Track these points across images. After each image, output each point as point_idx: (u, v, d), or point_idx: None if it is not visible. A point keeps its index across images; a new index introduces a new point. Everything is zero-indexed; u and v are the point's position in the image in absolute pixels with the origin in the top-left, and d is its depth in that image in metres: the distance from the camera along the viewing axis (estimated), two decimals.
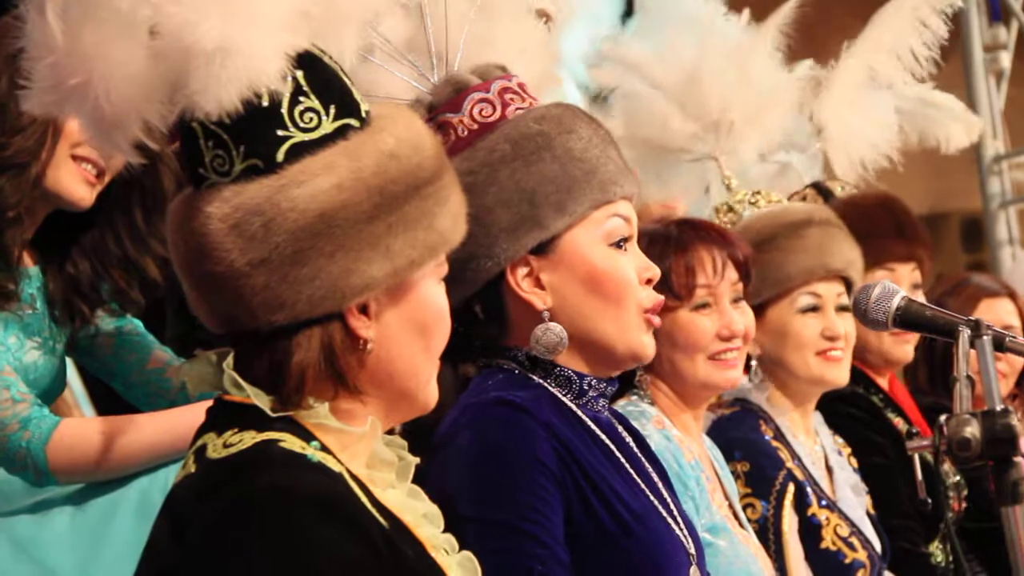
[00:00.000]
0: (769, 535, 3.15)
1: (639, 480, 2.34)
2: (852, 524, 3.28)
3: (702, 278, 2.98)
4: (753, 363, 3.29)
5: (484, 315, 2.35)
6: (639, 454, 2.41)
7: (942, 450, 2.00)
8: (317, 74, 1.84)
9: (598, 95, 3.92)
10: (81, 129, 1.99)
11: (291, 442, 1.80)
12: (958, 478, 3.95)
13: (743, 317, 3.02)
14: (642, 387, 3.00)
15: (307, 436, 1.82)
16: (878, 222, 3.85)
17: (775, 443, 3.27)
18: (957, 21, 6.31)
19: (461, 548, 1.99)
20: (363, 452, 1.90)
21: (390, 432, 1.98)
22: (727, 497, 3.02)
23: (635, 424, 2.56)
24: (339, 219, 1.79)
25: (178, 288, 1.91)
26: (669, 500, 2.38)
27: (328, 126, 1.83)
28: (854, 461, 3.54)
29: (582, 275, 2.32)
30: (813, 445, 3.41)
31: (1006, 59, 6.89)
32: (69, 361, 2.85)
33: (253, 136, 1.80)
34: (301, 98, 1.83)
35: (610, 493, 2.25)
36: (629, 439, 2.42)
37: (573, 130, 2.33)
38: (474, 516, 2.16)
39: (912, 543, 3.63)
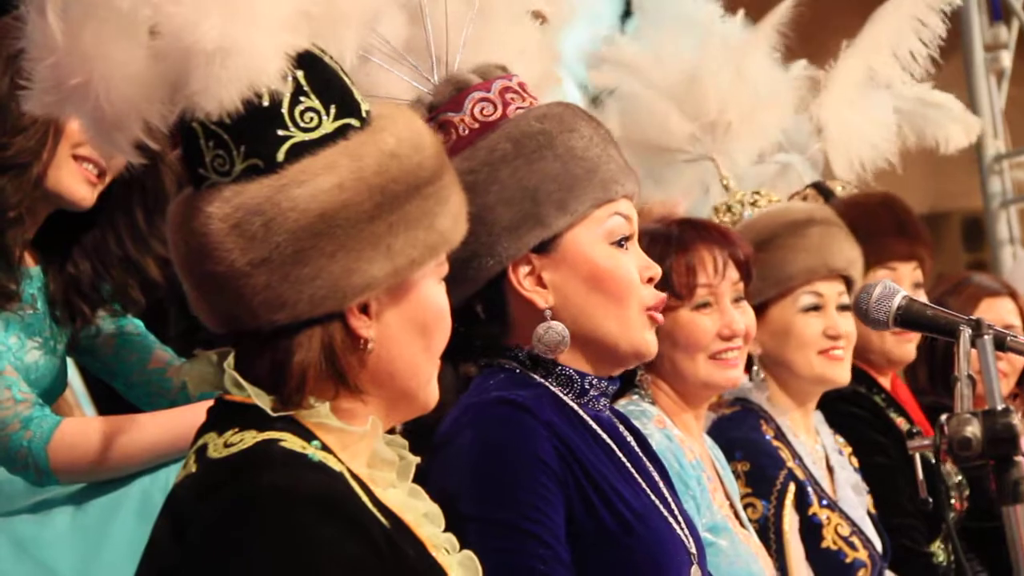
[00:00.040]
0: (770, 534, 3.15)
1: (640, 479, 2.34)
2: (853, 523, 3.28)
3: (703, 277, 2.98)
4: (755, 364, 3.30)
5: (485, 314, 2.35)
6: (640, 453, 2.41)
7: (943, 449, 2.00)
8: (317, 74, 1.84)
9: (596, 97, 3.92)
10: (82, 129, 1.99)
11: (292, 441, 1.80)
12: (960, 478, 3.95)
13: (744, 317, 3.02)
14: (643, 386, 3.00)
15: (308, 436, 1.82)
16: (880, 221, 3.86)
17: (776, 443, 3.27)
18: (958, 20, 6.33)
19: (462, 547, 1.99)
20: (364, 451, 1.90)
21: (391, 431, 1.98)
22: (728, 496, 3.02)
23: (636, 423, 2.56)
24: (340, 219, 1.79)
25: (179, 287, 1.91)
26: (670, 499, 2.38)
27: (328, 126, 1.83)
28: (855, 460, 3.54)
29: (584, 273, 2.32)
30: (814, 444, 3.41)
31: (1007, 58, 6.89)
32: (70, 361, 2.85)
33: (253, 136, 1.80)
34: (301, 98, 1.83)
35: (611, 492, 2.25)
36: (630, 438, 2.42)
37: (575, 129, 2.33)
38: (475, 515, 2.16)
39: (914, 542, 3.63)
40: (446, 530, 1.98)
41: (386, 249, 1.82)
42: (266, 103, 1.80)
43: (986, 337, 2.19)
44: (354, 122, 1.85)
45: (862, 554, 3.25)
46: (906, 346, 3.86)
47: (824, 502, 3.25)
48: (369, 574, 1.75)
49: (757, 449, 3.24)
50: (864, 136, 4.13)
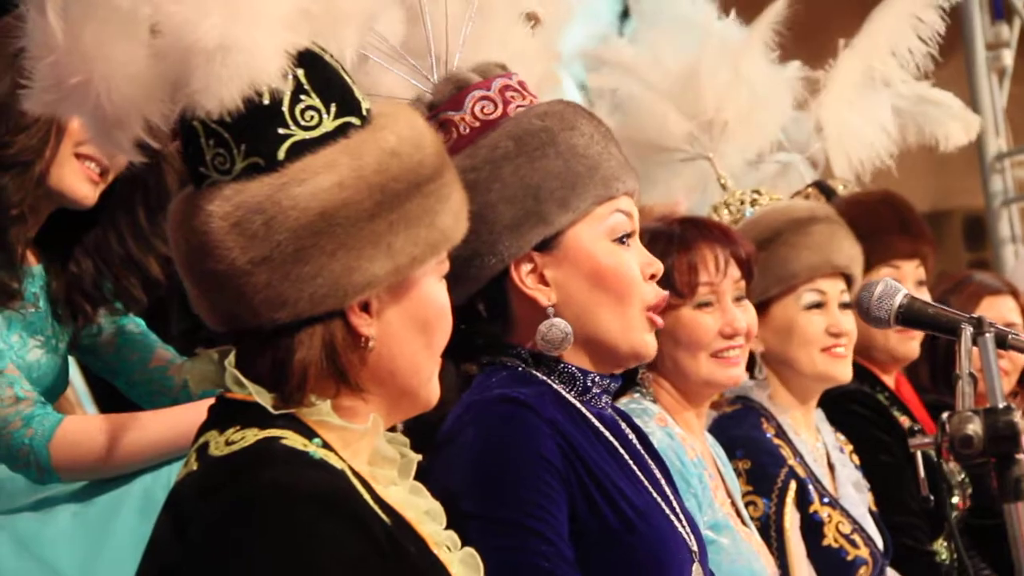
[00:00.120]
0: (771, 532, 3.15)
1: (642, 477, 2.34)
2: (854, 521, 3.28)
3: (704, 276, 2.98)
4: (757, 362, 3.30)
5: (487, 312, 2.35)
6: (642, 451, 2.41)
7: (944, 447, 2.00)
8: (318, 72, 1.84)
9: (592, 98, 3.94)
10: (84, 128, 1.99)
11: (293, 439, 1.80)
12: (963, 476, 3.95)
13: (746, 315, 3.02)
14: (645, 385, 3.00)
15: (309, 433, 1.82)
16: (882, 219, 3.86)
17: (777, 440, 3.28)
18: (959, 19, 6.33)
19: (464, 545, 1.99)
20: (365, 449, 1.90)
21: (392, 429, 1.98)
22: (729, 494, 3.02)
23: (638, 421, 2.56)
24: (340, 217, 1.79)
25: (181, 286, 1.91)
26: (672, 497, 2.38)
27: (329, 124, 1.83)
28: (856, 458, 3.54)
29: (586, 271, 2.32)
30: (815, 442, 3.41)
31: (1008, 57, 6.89)
32: (72, 360, 2.85)
33: (254, 134, 1.81)
34: (302, 96, 1.83)
35: (614, 490, 2.25)
36: (632, 436, 2.42)
37: (575, 126, 2.33)
38: (478, 513, 2.15)
39: (916, 541, 3.63)
40: (447, 528, 1.98)
41: (387, 247, 1.82)
42: (267, 101, 1.80)
43: (987, 335, 2.19)
44: (355, 120, 1.85)
45: (863, 552, 3.26)
46: (910, 343, 3.87)
47: (825, 500, 3.25)
48: (370, 572, 1.75)
49: (758, 447, 3.24)
50: (864, 135, 4.14)
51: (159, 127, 1.82)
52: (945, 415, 2.00)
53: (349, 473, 1.82)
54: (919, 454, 2.40)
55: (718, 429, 3.26)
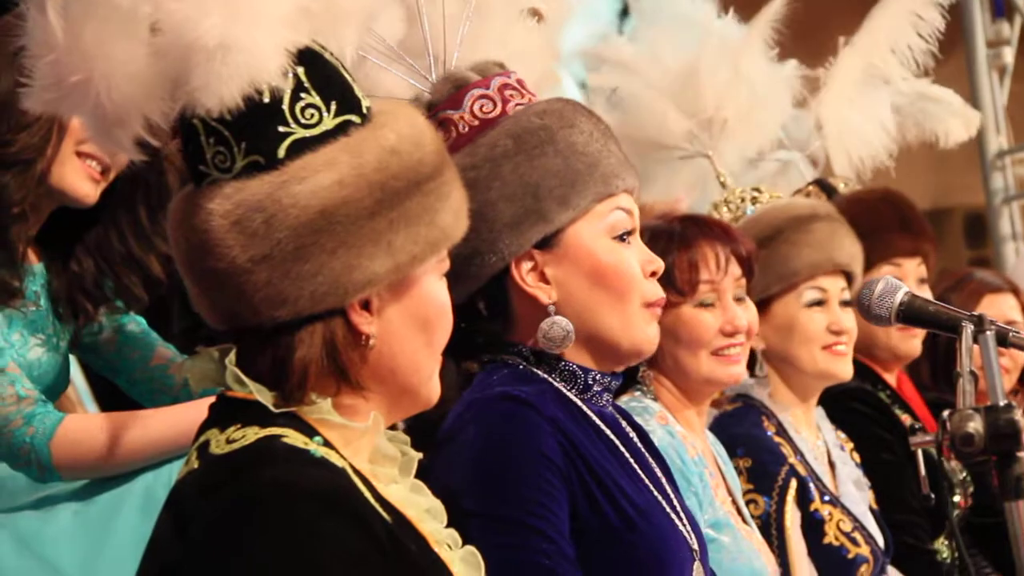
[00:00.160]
0: (772, 531, 3.15)
1: (643, 476, 2.34)
2: (855, 519, 3.28)
3: (705, 274, 2.98)
4: (758, 360, 3.30)
5: (488, 311, 2.35)
6: (643, 450, 2.41)
7: (945, 445, 2.00)
8: (318, 70, 1.84)
9: (590, 96, 3.94)
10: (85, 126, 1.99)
11: (294, 438, 1.80)
12: (964, 474, 3.95)
13: (746, 313, 3.02)
14: (646, 383, 3.00)
15: (310, 432, 1.82)
16: (883, 217, 3.86)
17: (777, 439, 3.28)
18: (959, 17, 6.32)
19: (465, 543, 1.99)
20: (366, 447, 1.90)
21: (392, 427, 1.98)
22: (730, 493, 3.02)
23: (638, 420, 2.56)
24: (340, 215, 1.79)
25: (182, 284, 1.91)
26: (672, 496, 2.38)
27: (329, 122, 1.84)
28: (856, 456, 3.54)
29: (587, 268, 2.32)
30: (815, 440, 3.41)
31: (1009, 55, 6.89)
32: (72, 358, 2.85)
33: (254, 132, 1.81)
34: (302, 94, 1.83)
35: (614, 488, 2.25)
36: (633, 435, 2.42)
37: (575, 124, 2.33)
38: (479, 511, 2.16)
39: (917, 539, 3.63)
40: (448, 526, 1.98)
41: (387, 245, 1.82)
42: (267, 100, 1.80)
43: (988, 333, 2.18)
44: (355, 118, 1.85)
45: (864, 550, 3.26)
46: (912, 341, 3.87)
47: (826, 498, 3.25)
48: (371, 569, 1.75)
49: (759, 445, 3.24)
50: (864, 133, 4.13)
51: (159, 125, 1.82)
52: (946, 413, 2.00)
53: (350, 471, 1.82)
54: (920, 452, 2.40)
55: (719, 427, 3.26)
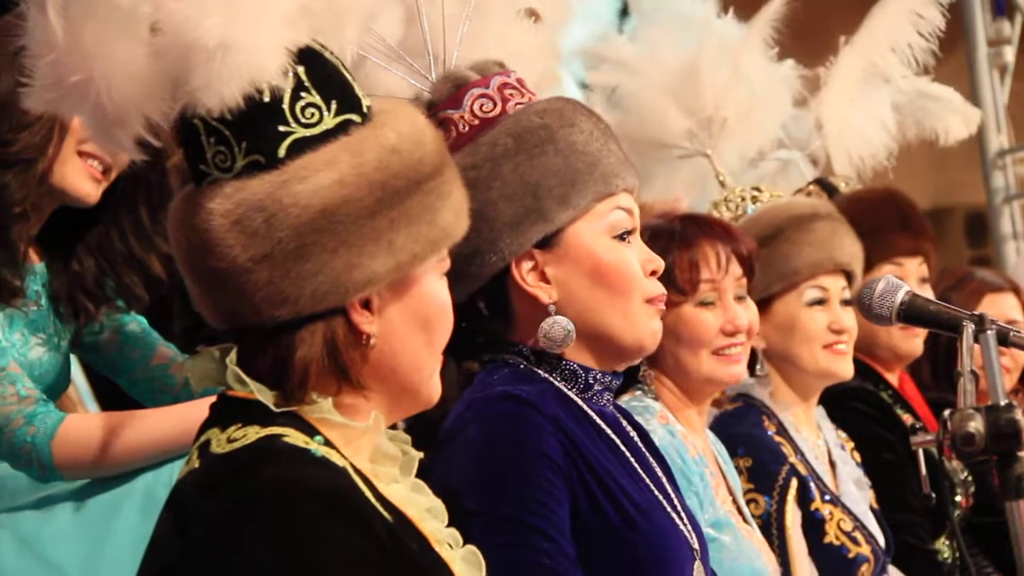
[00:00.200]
0: (772, 530, 3.15)
1: (644, 475, 2.34)
2: (855, 519, 3.28)
3: (706, 273, 2.98)
4: (759, 359, 3.30)
5: (488, 310, 2.35)
6: (643, 449, 2.41)
7: (946, 445, 2.00)
8: (318, 70, 1.85)
9: (589, 95, 3.94)
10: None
11: (295, 437, 1.80)
12: (966, 474, 3.95)
13: (747, 312, 3.02)
14: (646, 382, 3.00)
15: (311, 431, 1.82)
16: (884, 217, 3.86)
17: (778, 438, 3.28)
18: (960, 16, 6.32)
19: (465, 542, 1.99)
20: (367, 447, 1.90)
21: (393, 427, 1.98)
22: (731, 492, 3.02)
23: (639, 419, 2.56)
24: (341, 214, 1.79)
25: (183, 284, 1.91)
26: (673, 495, 2.38)
27: (329, 121, 1.84)
28: (857, 455, 3.54)
29: (587, 268, 2.32)
30: (816, 439, 3.41)
31: (1010, 53, 6.88)
32: (73, 358, 2.85)
33: (255, 132, 1.81)
34: (302, 94, 1.83)
35: (615, 488, 2.25)
36: (633, 434, 2.42)
37: (575, 123, 2.33)
38: (479, 510, 2.16)
39: (918, 539, 3.63)
40: (449, 525, 1.98)
41: (387, 244, 1.82)
42: (267, 99, 1.80)
43: (989, 332, 2.18)
44: (355, 118, 1.85)
45: (865, 549, 3.26)
46: (913, 340, 3.87)
47: (826, 497, 3.25)
48: (372, 569, 1.75)
49: (759, 445, 3.24)
50: (864, 132, 4.13)
51: (160, 125, 1.82)
52: (947, 413, 2.00)
53: (351, 471, 1.82)
54: (921, 452, 2.40)
55: (719, 427, 3.26)
